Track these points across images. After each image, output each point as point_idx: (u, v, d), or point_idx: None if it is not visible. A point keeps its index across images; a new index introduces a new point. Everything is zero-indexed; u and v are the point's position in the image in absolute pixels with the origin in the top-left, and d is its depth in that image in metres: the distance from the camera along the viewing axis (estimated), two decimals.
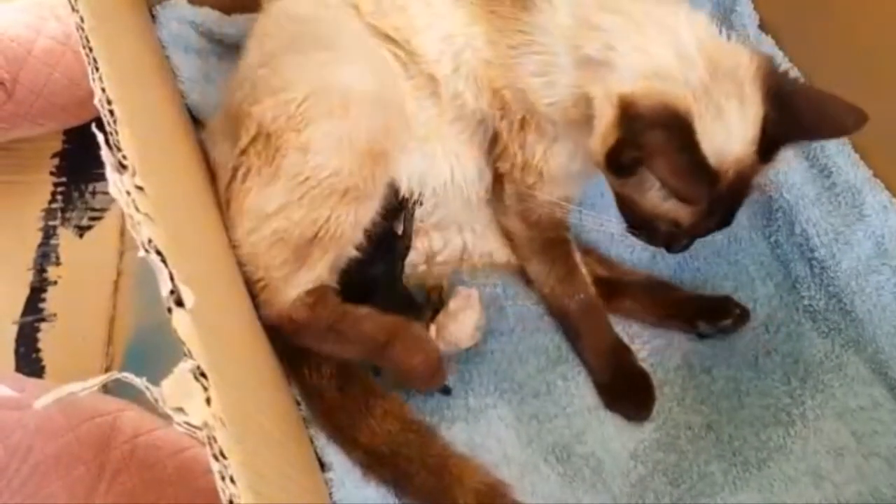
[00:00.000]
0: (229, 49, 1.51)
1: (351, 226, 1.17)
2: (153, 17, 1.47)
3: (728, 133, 1.02)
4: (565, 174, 1.26)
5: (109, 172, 0.72)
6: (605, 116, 1.06)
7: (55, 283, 1.48)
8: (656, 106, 1.01)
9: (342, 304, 1.20)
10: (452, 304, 1.28)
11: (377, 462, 1.18)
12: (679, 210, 1.07)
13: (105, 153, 0.73)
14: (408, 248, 1.32)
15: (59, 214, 1.55)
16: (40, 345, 1.43)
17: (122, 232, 1.53)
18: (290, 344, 1.20)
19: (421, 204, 1.30)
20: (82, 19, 0.80)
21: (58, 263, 1.50)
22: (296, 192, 1.14)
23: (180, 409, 0.63)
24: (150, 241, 0.69)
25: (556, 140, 1.21)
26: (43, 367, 1.41)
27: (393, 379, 1.24)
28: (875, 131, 1.37)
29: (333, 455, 1.18)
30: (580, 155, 1.22)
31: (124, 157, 0.73)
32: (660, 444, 1.30)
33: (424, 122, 1.24)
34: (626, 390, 1.33)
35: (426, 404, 1.29)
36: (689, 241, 1.16)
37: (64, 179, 1.58)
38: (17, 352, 1.42)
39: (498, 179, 1.31)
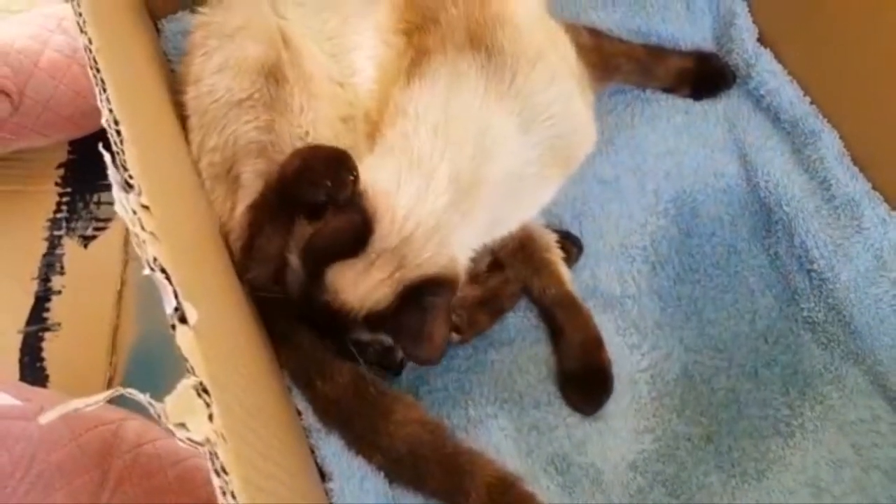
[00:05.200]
0: None
1: (260, 131, 1.19)
2: (158, 30, 1.48)
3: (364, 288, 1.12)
4: None
5: (116, 191, 0.73)
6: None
7: (59, 292, 1.49)
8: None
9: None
10: None
11: (396, 464, 1.19)
12: None
13: (111, 172, 0.74)
14: None
15: (64, 224, 1.56)
16: (44, 354, 1.44)
17: (126, 242, 1.53)
18: (301, 357, 1.21)
19: None
20: (90, 41, 0.81)
21: (62, 273, 1.51)
22: (203, 123, 1.18)
23: (183, 425, 0.64)
24: (154, 259, 0.70)
25: None
26: (47, 376, 1.42)
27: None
28: (874, 144, 1.39)
29: (335, 464, 1.18)
30: None
31: (130, 176, 0.74)
32: (659, 455, 1.30)
33: None
34: (585, 383, 1.35)
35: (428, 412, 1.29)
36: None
37: (69, 190, 1.59)
38: (21, 361, 1.43)
39: None
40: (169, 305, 0.69)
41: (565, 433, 1.32)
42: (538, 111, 1.19)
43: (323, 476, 1.18)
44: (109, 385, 1.39)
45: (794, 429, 1.32)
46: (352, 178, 1.12)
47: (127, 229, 1.49)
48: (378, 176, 1.12)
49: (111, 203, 1.51)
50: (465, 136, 1.14)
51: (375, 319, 1.13)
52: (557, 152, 1.23)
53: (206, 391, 0.66)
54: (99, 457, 1.20)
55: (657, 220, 1.48)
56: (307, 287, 1.14)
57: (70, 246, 1.54)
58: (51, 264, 1.52)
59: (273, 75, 1.19)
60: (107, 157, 0.75)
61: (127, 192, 0.74)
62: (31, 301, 1.49)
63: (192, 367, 0.67)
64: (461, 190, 1.13)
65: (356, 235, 1.09)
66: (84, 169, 1.62)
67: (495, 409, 1.33)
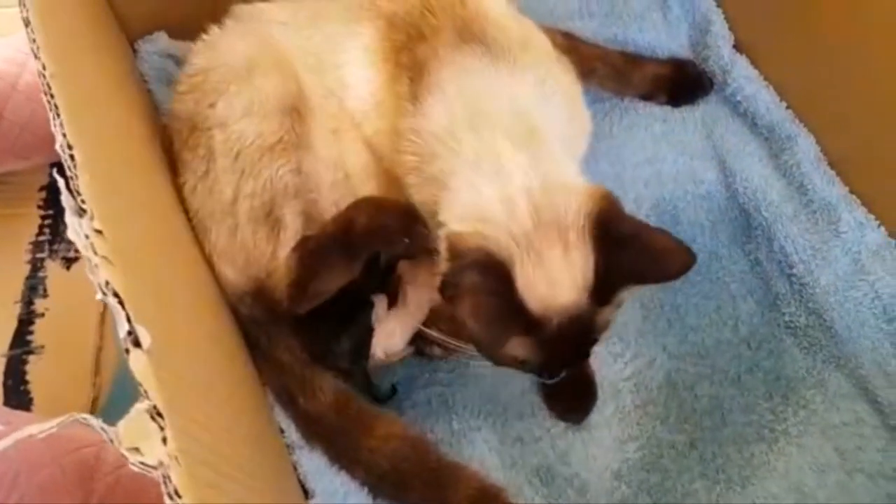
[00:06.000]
0: None
1: (294, 173, 1.20)
2: (134, 50, 1.49)
3: (551, 281, 1.01)
4: None
5: (69, 216, 0.74)
6: (441, 245, 1.07)
7: (43, 315, 1.50)
8: (477, 250, 1.02)
9: (310, 236, 1.22)
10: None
11: (378, 479, 1.19)
12: (516, 348, 1.06)
13: (65, 197, 0.75)
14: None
15: (47, 247, 1.57)
16: (28, 377, 1.44)
17: None
18: (283, 375, 1.22)
19: None
20: (44, 66, 0.82)
21: (45, 296, 1.52)
22: (237, 168, 1.18)
23: (136, 450, 0.65)
24: (107, 283, 0.71)
25: None
26: (31, 399, 1.42)
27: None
28: (849, 149, 1.39)
29: (318, 481, 1.19)
30: None
31: (83, 201, 0.74)
32: (643, 463, 1.30)
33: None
34: (569, 392, 1.33)
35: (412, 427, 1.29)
36: (553, 372, 1.14)
37: (51, 212, 1.60)
38: (5, 384, 1.43)
39: None
40: (122, 329, 0.70)
41: (549, 444, 1.32)
42: (545, 79, 1.19)
43: (306, 493, 1.19)
44: (93, 406, 1.39)
45: (777, 434, 1.31)
46: (426, 230, 1.14)
47: None
48: (456, 212, 1.09)
49: None
50: (500, 113, 1.12)
51: None
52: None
53: (159, 414, 0.67)
54: (81, 479, 1.20)
55: None
56: None
57: (53, 268, 1.55)
58: (34, 287, 1.53)
59: (296, 110, 1.22)
60: (60, 182, 0.76)
61: (80, 216, 0.74)
62: (14, 324, 1.49)
63: (145, 391, 0.67)
64: (530, 156, 1.09)
65: (503, 290, 1.02)
66: None
67: (479, 422, 1.32)
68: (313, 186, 1.24)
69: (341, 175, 1.27)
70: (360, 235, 1.18)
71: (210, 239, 1.22)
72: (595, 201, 1.04)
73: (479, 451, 1.29)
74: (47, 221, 1.59)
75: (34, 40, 0.84)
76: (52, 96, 0.80)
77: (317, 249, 1.20)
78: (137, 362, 0.69)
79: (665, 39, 1.61)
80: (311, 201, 1.23)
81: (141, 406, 0.67)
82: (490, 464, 1.28)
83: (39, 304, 1.51)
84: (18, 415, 1.31)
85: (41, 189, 1.62)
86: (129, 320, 0.70)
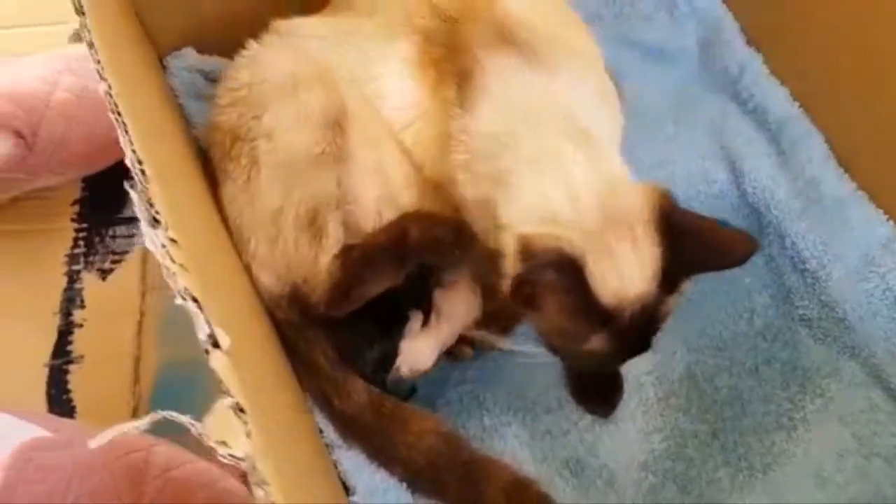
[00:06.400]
0: None
1: (337, 183, 1.24)
2: (164, 67, 1.53)
3: (622, 275, 1.06)
4: None
5: (144, 227, 0.78)
6: (508, 246, 1.11)
7: (81, 325, 1.53)
8: (550, 250, 1.06)
9: (354, 244, 1.26)
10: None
11: (416, 476, 1.23)
12: (593, 342, 1.11)
13: (139, 210, 0.79)
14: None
15: (82, 259, 1.60)
16: (70, 386, 1.48)
17: (144, 274, 1.58)
18: (318, 378, 1.25)
19: None
20: (110, 86, 0.86)
21: (83, 307, 1.55)
22: (284, 177, 1.22)
23: (224, 443, 0.68)
24: (185, 289, 0.75)
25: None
26: (74, 408, 1.46)
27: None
28: (859, 146, 1.43)
29: (358, 479, 1.22)
30: None
31: (157, 212, 0.78)
32: (669, 453, 1.34)
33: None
34: (597, 386, 1.35)
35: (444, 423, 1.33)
36: (621, 363, 1.20)
37: (85, 225, 1.64)
38: (48, 394, 1.47)
39: None
40: (202, 332, 0.73)
41: (577, 437, 1.36)
42: (577, 76, 1.23)
43: (347, 490, 1.22)
44: (135, 413, 1.42)
45: (796, 422, 1.36)
46: (478, 245, 1.19)
47: (144, 261, 1.56)
48: (522, 213, 1.12)
49: (126, 236, 1.60)
50: (550, 113, 1.17)
51: None
52: None
53: (242, 411, 0.70)
54: (131, 483, 1.23)
55: None
56: None
57: (89, 280, 1.58)
58: (71, 298, 1.56)
59: (338, 123, 1.24)
60: (133, 195, 0.80)
61: (154, 227, 0.78)
62: (54, 335, 1.53)
63: (227, 389, 0.71)
64: (587, 154, 1.14)
65: (580, 286, 1.06)
66: (98, 204, 1.66)
67: (509, 418, 1.37)
68: (352, 198, 1.27)
69: (382, 184, 1.29)
70: (413, 246, 1.22)
71: (249, 247, 1.25)
72: (656, 197, 1.10)
73: (511, 446, 1.33)
74: (82, 234, 1.62)
75: (98, 61, 0.88)
76: (119, 114, 0.84)
77: (363, 257, 1.23)
78: (218, 362, 0.72)
79: (673, 37, 1.66)
80: (349, 212, 1.27)
81: (224, 403, 0.70)
82: (521, 457, 1.32)
83: (77, 315, 1.54)
84: (67, 422, 1.34)
85: (74, 203, 1.66)
86: (208, 323, 0.74)
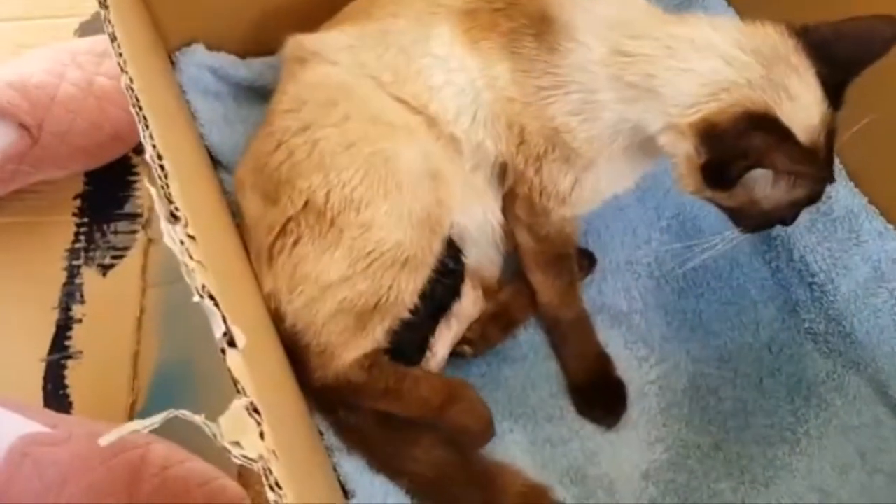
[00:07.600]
0: (245, 91, 1.57)
1: (410, 293, 1.20)
2: (172, 63, 1.52)
3: (803, 107, 1.07)
4: (592, 199, 1.31)
5: (163, 223, 0.77)
6: (679, 147, 1.11)
7: (80, 321, 1.52)
8: (738, 116, 1.06)
9: (396, 366, 1.24)
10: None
11: (423, 486, 1.23)
12: (797, 190, 1.13)
13: (158, 205, 0.78)
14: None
15: (83, 254, 1.58)
16: (67, 381, 1.46)
17: (144, 269, 1.56)
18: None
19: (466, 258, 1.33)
20: (131, 80, 0.85)
21: (82, 302, 1.53)
22: (360, 265, 1.16)
23: (237, 444, 0.67)
24: (203, 286, 0.74)
25: (587, 169, 1.23)
26: (70, 404, 1.43)
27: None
28: (868, 160, 1.43)
29: (357, 482, 1.21)
30: (614, 178, 1.28)
31: (176, 208, 0.77)
32: (670, 464, 1.34)
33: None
34: (601, 396, 1.38)
35: None
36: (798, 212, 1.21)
37: (86, 220, 1.62)
38: (45, 389, 1.45)
39: (509, 195, 1.33)
40: (218, 330, 0.72)
41: (579, 446, 1.35)
42: None
43: (346, 494, 1.21)
44: (132, 410, 1.41)
45: (799, 436, 1.36)
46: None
47: (144, 257, 1.54)
48: (684, 102, 1.10)
49: (127, 232, 1.59)
50: (645, 17, 1.19)
51: None
52: None
53: (256, 411, 0.70)
54: (127, 480, 1.22)
55: (660, 235, 1.52)
56: None
57: (89, 275, 1.56)
58: (71, 293, 1.54)
59: (433, 229, 1.20)
60: (153, 191, 0.79)
61: (173, 223, 0.77)
62: (52, 330, 1.51)
63: (242, 388, 0.70)
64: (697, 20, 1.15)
65: (787, 133, 1.06)
66: (100, 199, 1.65)
67: (510, 424, 1.36)
68: (409, 308, 1.23)
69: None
70: (439, 418, 1.25)
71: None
72: (783, 25, 1.12)
73: (511, 453, 1.33)
74: (83, 229, 1.61)
75: (121, 55, 0.87)
76: (140, 108, 0.83)
77: (388, 391, 1.23)
78: (234, 361, 0.71)
79: None
80: (396, 321, 1.23)
81: (239, 402, 0.70)
82: (522, 465, 1.31)
83: (77, 310, 1.52)
84: (64, 418, 1.32)
85: (76, 197, 1.64)
86: (224, 321, 0.73)
